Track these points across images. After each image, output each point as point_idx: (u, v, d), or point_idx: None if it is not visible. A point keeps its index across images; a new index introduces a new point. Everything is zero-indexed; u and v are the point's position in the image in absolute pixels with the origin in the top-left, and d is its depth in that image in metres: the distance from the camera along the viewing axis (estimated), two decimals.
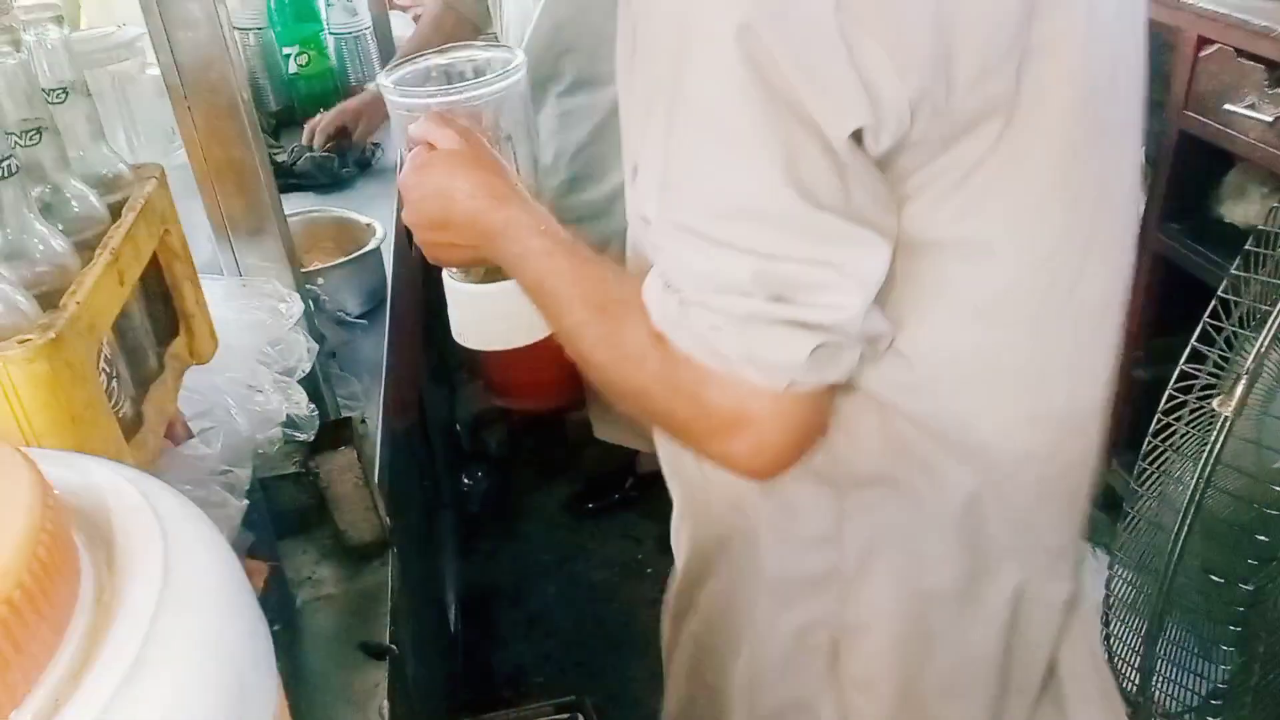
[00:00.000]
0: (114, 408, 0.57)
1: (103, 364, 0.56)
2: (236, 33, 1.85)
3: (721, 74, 0.53)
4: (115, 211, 0.64)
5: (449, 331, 0.94)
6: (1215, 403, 1.03)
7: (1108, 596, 1.28)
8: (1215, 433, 1.04)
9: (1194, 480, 1.06)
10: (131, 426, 0.60)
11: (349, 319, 1.26)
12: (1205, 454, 1.04)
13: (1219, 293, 1.15)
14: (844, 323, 0.56)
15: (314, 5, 1.88)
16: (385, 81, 0.83)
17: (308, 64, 1.87)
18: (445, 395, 2.45)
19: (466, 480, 2.40)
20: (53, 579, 0.31)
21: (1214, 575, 1.12)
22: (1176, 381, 1.16)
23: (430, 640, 1.48)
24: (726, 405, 0.59)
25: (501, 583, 2.16)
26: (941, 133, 0.55)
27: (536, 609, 2.09)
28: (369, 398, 1.14)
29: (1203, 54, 1.63)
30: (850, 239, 0.55)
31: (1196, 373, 1.15)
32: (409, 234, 0.99)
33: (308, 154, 1.66)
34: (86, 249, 0.59)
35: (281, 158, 1.68)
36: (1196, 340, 1.15)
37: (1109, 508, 2.12)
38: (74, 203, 0.61)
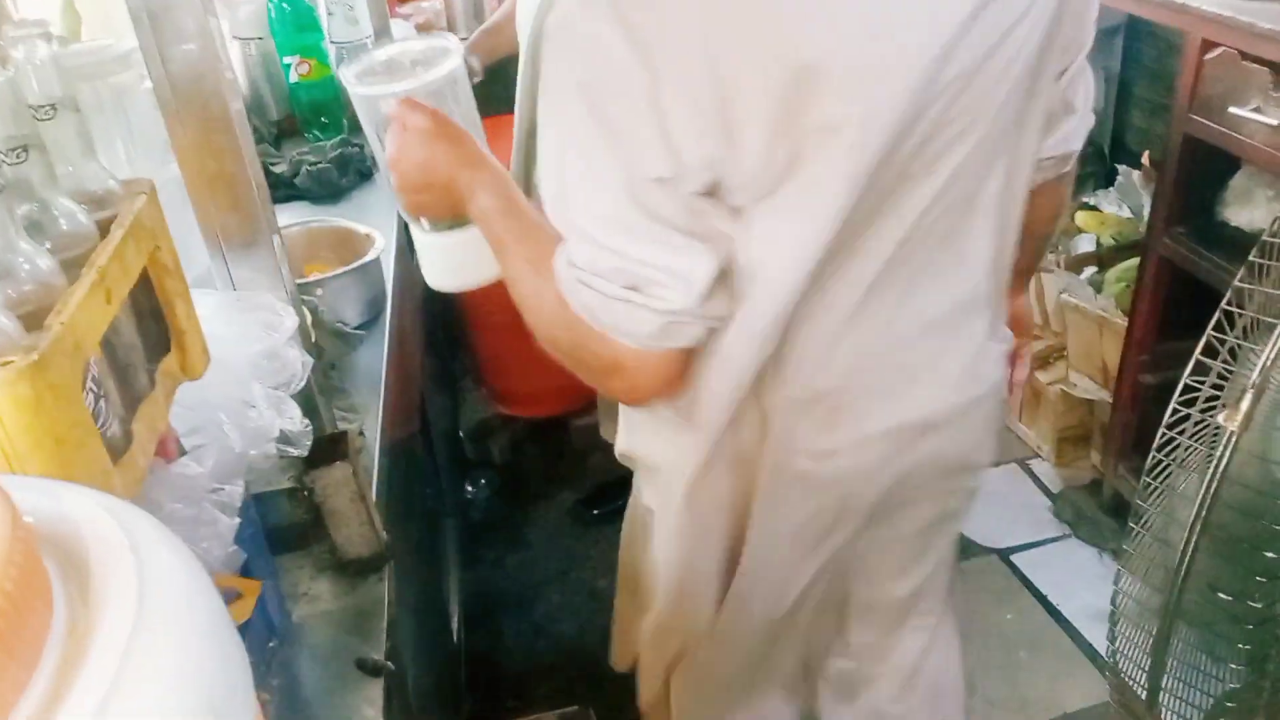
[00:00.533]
0: (101, 428, 0.56)
1: (90, 383, 0.56)
2: (237, 42, 1.84)
3: (575, 117, 0.71)
4: (104, 228, 0.63)
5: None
6: (1221, 417, 1.01)
7: (1114, 612, 1.27)
8: (1221, 448, 1.02)
9: (1200, 496, 1.04)
10: (119, 446, 0.59)
11: (348, 330, 1.25)
12: (1211, 469, 1.02)
13: (1223, 304, 1.13)
14: (679, 311, 0.74)
15: (314, 15, 1.88)
16: (349, 78, 0.92)
17: (309, 73, 1.86)
18: (448, 403, 2.44)
19: (470, 488, 2.40)
20: (22, 613, 0.30)
21: (1222, 593, 1.10)
22: (1180, 394, 1.15)
23: (432, 652, 1.47)
24: (606, 356, 0.77)
25: (506, 591, 2.16)
26: (754, 182, 0.71)
27: (541, 617, 2.08)
28: (368, 409, 1.13)
29: (1207, 57, 1.61)
30: (682, 249, 0.73)
31: (1200, 385, 1.13)
32: (410, 245, 1.01)
33: (307, 165, 1.66)
34: (75, 267, 0.58)
35: (281, 168, 1.67)
36: (1200, 352, 1.14)
37: (1116, 512, 2.11)
38: (62, 220, 0.61)
